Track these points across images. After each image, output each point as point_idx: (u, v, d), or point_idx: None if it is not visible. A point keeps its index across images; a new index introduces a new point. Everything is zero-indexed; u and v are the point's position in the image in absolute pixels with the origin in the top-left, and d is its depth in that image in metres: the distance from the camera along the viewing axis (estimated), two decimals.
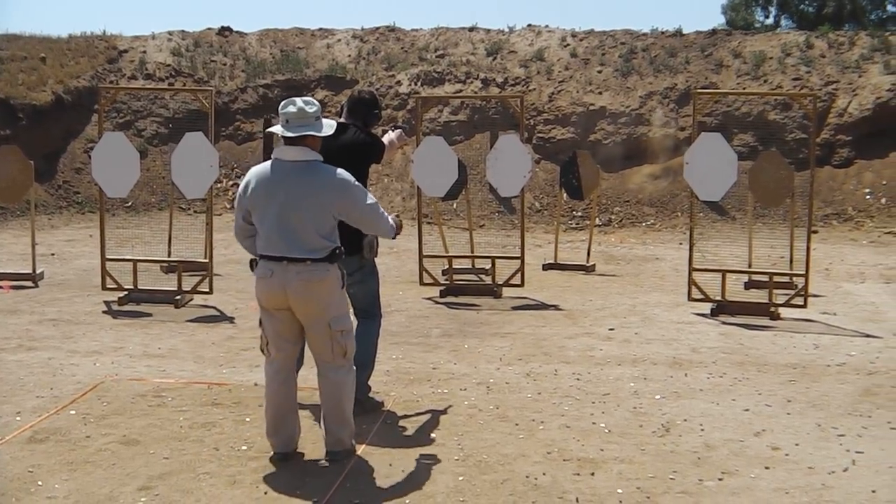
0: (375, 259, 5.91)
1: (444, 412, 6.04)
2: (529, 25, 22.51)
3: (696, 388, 6.64)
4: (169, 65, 21.48)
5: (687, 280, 9.57)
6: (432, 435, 5.59)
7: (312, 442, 5.30)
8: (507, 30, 22.49)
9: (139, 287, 9.71)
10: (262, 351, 5.08)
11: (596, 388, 6.62)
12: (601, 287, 11.06)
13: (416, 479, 4.85)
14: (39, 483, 4.75)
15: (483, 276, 11.38)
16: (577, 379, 6.88)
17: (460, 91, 19.93)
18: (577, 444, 5.43)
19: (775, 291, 9.31)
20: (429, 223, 14.23)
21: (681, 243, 14.39)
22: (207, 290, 9.50)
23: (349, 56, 22.16)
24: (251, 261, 5.03)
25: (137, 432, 5.55)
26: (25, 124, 18.29)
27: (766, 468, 5.05)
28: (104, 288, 9.72)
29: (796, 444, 5.43)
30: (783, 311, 9.14)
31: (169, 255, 11.16)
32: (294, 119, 4.88)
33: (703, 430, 5.71)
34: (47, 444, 5.34)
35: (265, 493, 4.66)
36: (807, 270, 9.14)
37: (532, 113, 19.01)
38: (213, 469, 4.97)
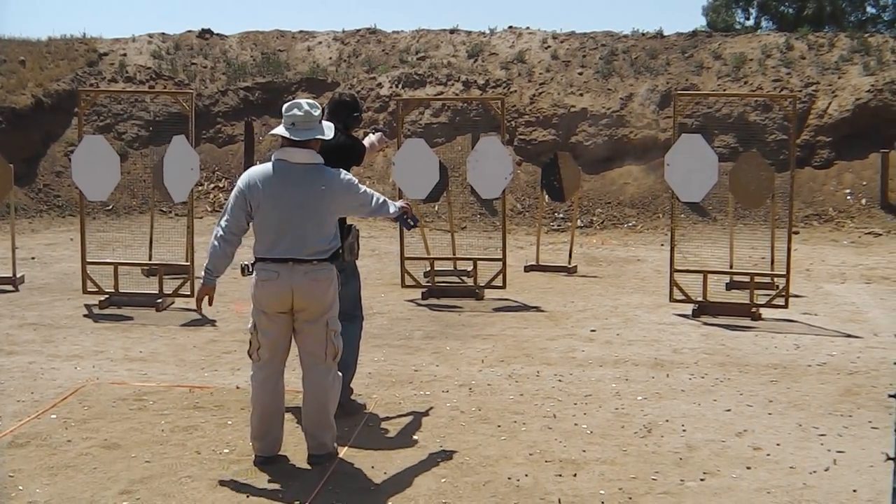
0: (356, 261, 5.92)
1: (426, 414, 6.04)
2: (510, 27, 22.53)
3: (677, 389, 6.66)
4: (149, 67, 21.37)
5: (668, 281, 9.60)
6: (414, 437, 5.59)
7: (294, 445, 5.29)
8: (488, 32, 22.51)
9: (120, 290, 9.68)
10: (251, 356, 5.05)
11: (578, 390, 6.64)
12: (583, 288, 11.09)
13: (398, 482, 4.86)
14: (20, 488, 4.72)
15: (465, 278, 11.38)
16: (559, 380, 6.89)
17: (441, 93, 19.91)
18: (559, 445, 5.44)
19: (756, 292, 9.36)
20: None
21: (662, 244, 14.44)
22: (189, 293, 9.47)
23: (330, 58, 22.12)
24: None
25: (119, 436, 5.53)
26: (5, 128, 18.17)
27: (748, 468, 5.08)
28: (85, 291, 9.67)
29: (778, 444, 5.46)
30: (764, 312, 9.18)
31: (150, 259, 11.12)
32: (301, 122, 4.91)
33: (684, 430, 5.73)
34: (28, 448, 5.31)
35: (247, 496, 4.66)
36: (788, 271, 9.18)
37: (513, 115, 19.02)
38: (194, 473, 4.96)
